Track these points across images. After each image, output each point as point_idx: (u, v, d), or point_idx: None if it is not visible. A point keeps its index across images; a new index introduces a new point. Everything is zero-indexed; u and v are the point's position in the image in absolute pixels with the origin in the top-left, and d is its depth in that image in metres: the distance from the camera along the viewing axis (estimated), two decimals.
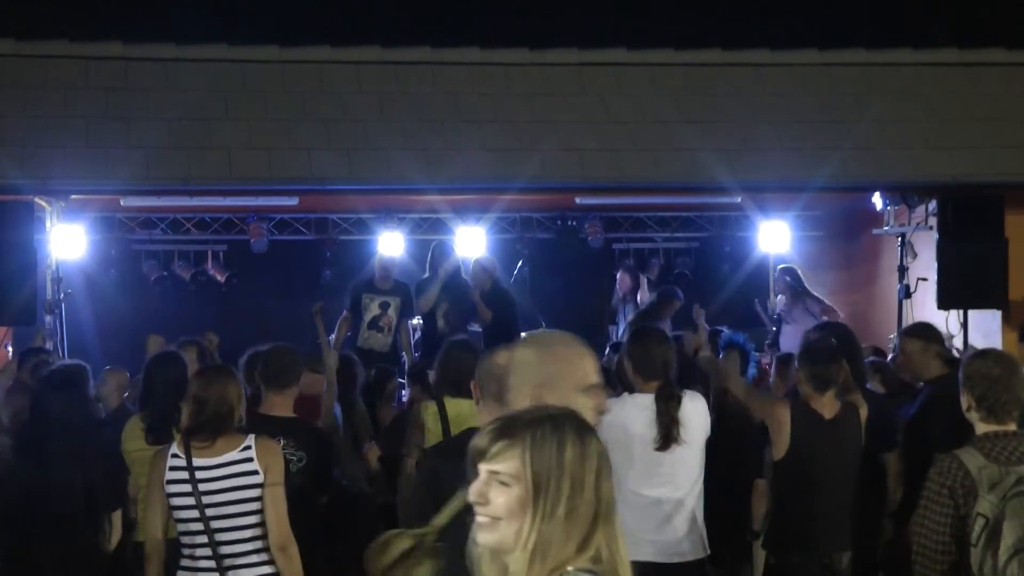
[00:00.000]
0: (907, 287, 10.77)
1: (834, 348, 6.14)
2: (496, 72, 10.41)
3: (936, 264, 10.31)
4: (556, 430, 2.36)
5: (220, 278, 12.95)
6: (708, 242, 13.42)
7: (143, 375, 6.55)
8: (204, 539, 4.98)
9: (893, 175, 10.23)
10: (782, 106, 10.50)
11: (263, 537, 5.04)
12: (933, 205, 10.63)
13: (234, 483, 5.01)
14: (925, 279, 10.65)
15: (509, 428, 2.38)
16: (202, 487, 4.98)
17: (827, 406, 5.94)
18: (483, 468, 2.38)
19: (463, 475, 3.94)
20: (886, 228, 11.41)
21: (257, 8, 12.69)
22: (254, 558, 5.04)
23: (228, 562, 5.00)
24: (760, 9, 13.52)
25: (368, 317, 10.61)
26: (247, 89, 9.95)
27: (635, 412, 5.52)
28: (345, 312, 10.69)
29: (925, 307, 10.74)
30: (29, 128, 9.32)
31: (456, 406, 6.28)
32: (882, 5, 13.72)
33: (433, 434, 6.29)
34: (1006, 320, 10.33)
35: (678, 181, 10.19)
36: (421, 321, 11.19)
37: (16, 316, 9.29)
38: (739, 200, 12.02)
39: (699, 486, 5.58)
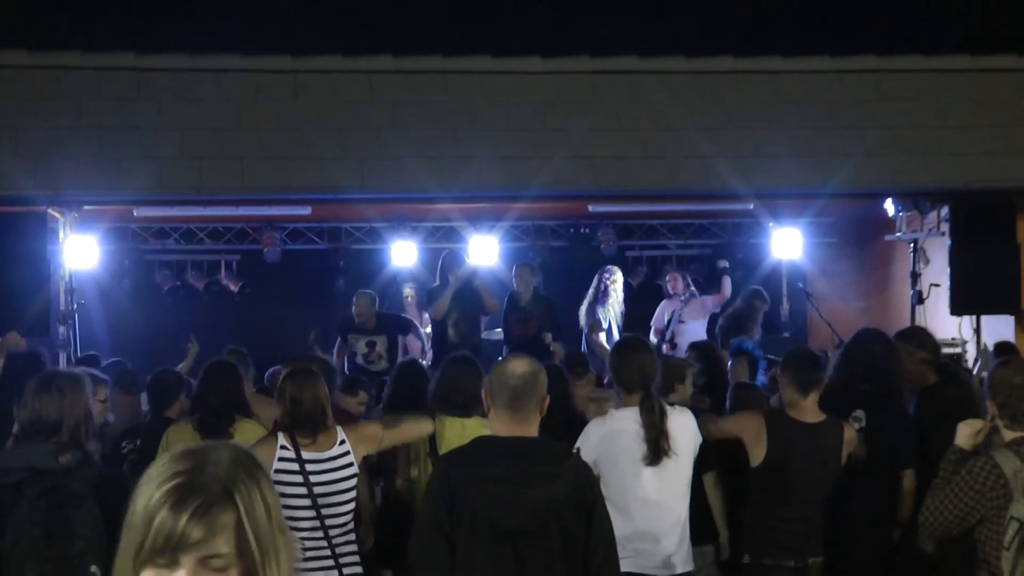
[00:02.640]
0: (919, 293, 10.75)
1: (816, 355, 6.04)
2: (508, 81, 10.41)
3: (948, 270, 10.30)
4: (251, 477, 1.93)
5: (233, 288, 12.99)
6: (721, 249, 13.41)
7: (201, 379, 6.62)
8: (316, 523, 5.37)
9: (905, 181, 10.20)
10: (794, 113, 10.48)
11: (352, 518, 5.55)
12: (945, 211, 10.61)
13: (339, 475, 5.47)
14: (938, 285, 10.64)
15: (207, 500, 1.87)
16: (313, 479, 5.38)
17: (809, 411, 5.79)
18: (189, 559, 1.85)
19: (476, 483, 3.97)
20: (898, 234, 11.40)
21: (270, 18, 12.75)
22: (351, 536, 5.55)
23: (336, 541, 5.42)
24: (772, 17, 13.53)
25: (359, 353, 10.83)
26: (260, 99, 9.96)
27: (621, 426, 5.41)
28: (339, 341, 10.83)
29: (937, 313, 10.73)
30: (42, 139, 9.33)
31: (449, 425, 6.25)
32: (894, 12, 13.72)
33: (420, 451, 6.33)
34: (1019, 325, 10.31)
35: (691, 188, 10.16)
36: (430, 330, 11.20)
37: (29, 326, 9.32)
38: (752, 207, 12.00)
39: (687, 500, 5.49)
